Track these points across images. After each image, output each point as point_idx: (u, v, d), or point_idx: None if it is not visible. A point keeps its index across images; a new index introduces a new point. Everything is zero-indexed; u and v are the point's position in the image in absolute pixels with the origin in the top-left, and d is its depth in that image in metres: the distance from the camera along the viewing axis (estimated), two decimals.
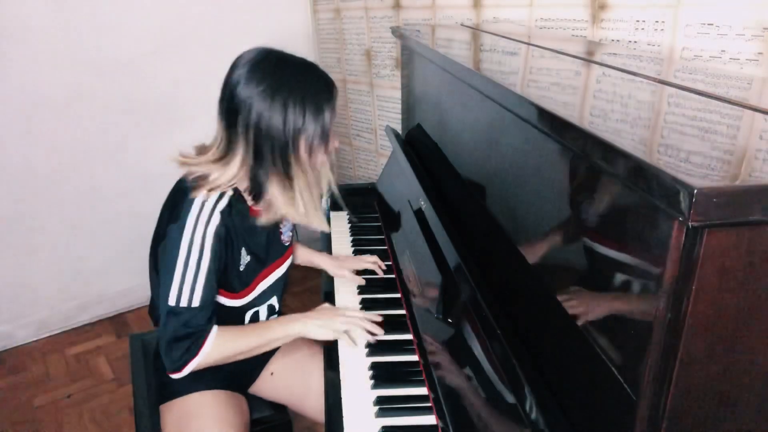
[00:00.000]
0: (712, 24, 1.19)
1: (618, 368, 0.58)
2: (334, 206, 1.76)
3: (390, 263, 1.42)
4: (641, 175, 0.49)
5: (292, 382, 1.30)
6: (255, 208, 1.12)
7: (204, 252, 1.02)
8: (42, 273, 2.32)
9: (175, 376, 1.04)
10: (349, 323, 1.13)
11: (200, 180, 1.04)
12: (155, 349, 1.28)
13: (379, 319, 1.17)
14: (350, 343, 1.13)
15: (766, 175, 0.50)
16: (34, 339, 2.37)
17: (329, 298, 1.32)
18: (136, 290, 2.53)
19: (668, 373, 0.51)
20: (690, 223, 0.44)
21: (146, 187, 2.38)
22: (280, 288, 1.26)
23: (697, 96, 0.74)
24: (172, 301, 1.02)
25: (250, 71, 1.01)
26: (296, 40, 2.66)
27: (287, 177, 1.04)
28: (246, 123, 1.00)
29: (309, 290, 2.60)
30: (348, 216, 1.71)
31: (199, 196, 1.03)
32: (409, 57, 1.58)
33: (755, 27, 1.13)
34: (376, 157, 2.58)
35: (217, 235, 1.03)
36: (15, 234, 2.22)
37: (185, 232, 1.02)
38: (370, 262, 1.39)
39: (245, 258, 1.13)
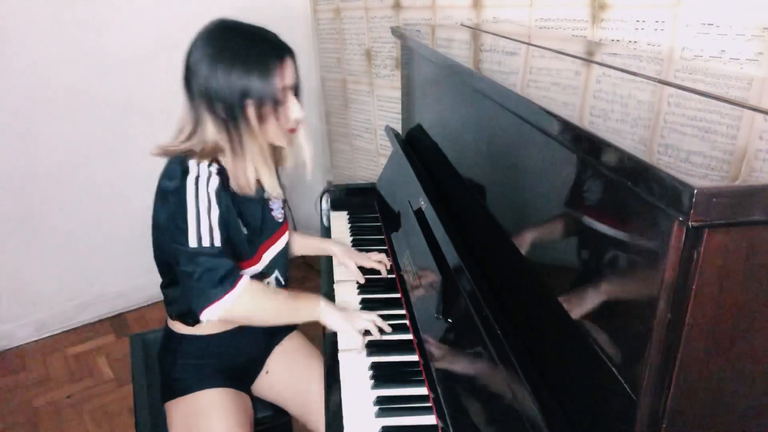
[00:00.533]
0: (712, 24, 1.19)
1: (618, 368, 0.58)
2: (335, 206, 1.76)
3: (390, 263, 1.42)
4: (641, 175, 0.49)
5: (290, 387, 1.29)
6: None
7: (211, 202, 1.04)
8: (42, 273, 2.32)
9: (205, 314, 1.02)
10: (367, 324, 1.14)
11: (185, 155, 1.07)
12: (159, 346, 1.28)
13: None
14: (362, 349, 1.12)
15: (766, 175, 0.50)
16: (34, 339, 2.37)
17: (329, 297, 1.32)
18: (136, 290, 2.53)
19: (668, 373, 0.51)
20: (690, 223, 0.44)
21: (146, 187, 2.36)
22: (281, 263, 1.28)
23: (697, 96, 0.74)
24: (193, 243, 1.02)
25: (200, 39, 1.08)
26: (296, 41, 2.65)
27: (239, 143, 1.06)
28: (198, 89, 1.04)
29: (309, 290, 2.60)
30: (347, 216, 1.71)
31: (191, 162, 1.05)
32: (409, 57, 1.58)
33: (755, 27, 1.13)
34: (376, 157, 2.58)
35: (218, 194, 1.05)
36: (15, 234, 2.22)
37: (188, 190, 1.03)
38: (376, 260, 1.40)
39: (241, 229, 1.14)
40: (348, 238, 1.58)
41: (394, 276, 1.37)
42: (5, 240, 2.20)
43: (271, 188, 1.15)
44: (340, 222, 1.68)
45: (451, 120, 1.21)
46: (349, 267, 1.39)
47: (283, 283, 1.29)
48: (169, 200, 1.05)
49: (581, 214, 0.66)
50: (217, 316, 1.03)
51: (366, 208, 1.74)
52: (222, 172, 1.09)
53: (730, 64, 1.18)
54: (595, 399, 0.63)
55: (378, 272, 1.39)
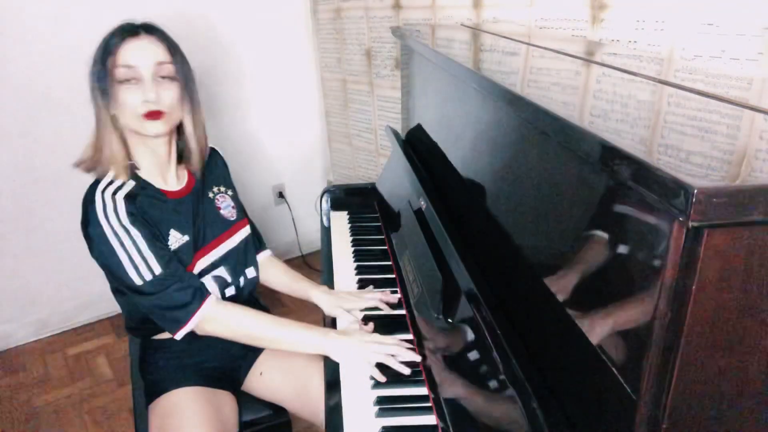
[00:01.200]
0: (712, 24, 1.19)
1: (618, 368, 0.58)
2: (335, 206, 1.76)
3: (390, 263, 1.42)
4: (641, 175, 0.49)
5: (284, 383, 1.28)
6: (168, 189, 1.16)
7: (130, 231, 1.05)
8: (42, 273, 2.32)
9: (178, 335, 1.06)
10: (384, 357, 1.04)
11: (93, 166, 1.09)
12: (140, 351, 1.29)
13: (412, 354, 1.06)
14: (381, 377, 1.02)
15: (766, 175, 0.50)
16: (34, 339, 2.37)
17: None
18: None
19: (668, 373, 0.51)
20: (690, 223, 0.44)
21: None
22: (231, 261, 1.25)
23: (697, 96, 0.74)
24: (138, 281, 1.04)
25: None
26: (296, 40, 2.66)
27: (98, 129, 1.10)
28: None
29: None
30: (347, 216, 1.71)
31: (96, 194, 1.06)
32: (409, 57, 1.58)
33: (755, 27, 1.13)
34: (376, 157, 2.58)
35: (131, 214, 1.05)
36: (15, 234, 2.22)
37: (103, 226, 1.04)
38: (374, 299, 1.23)
39: (179, 238, 1.14)
40: (348, 238, 1.58)
41: (394, 276, 1.37)
42: (5, 240, 2.20)
43: (159, 179, 1.15)
44: (340, 222, 1.68)
45: (451, 120, 1.21)
46: (340, 317, 1.22)
47: (229, 280, 1.24)
48: (93, 239, 1.06)
49: (581, 214, 0.66)
50: (193, 326, 1.07)
51: (366, 208, 1.74)
52: (142, 186, 1.11)
53: (730, 64, 1.18)
54: (595, 399, 0.63)
55: (382, 258, 1.37)
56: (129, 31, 1.07)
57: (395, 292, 1.30)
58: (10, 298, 2.28)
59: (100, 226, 1.04)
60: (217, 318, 1.09)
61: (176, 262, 1.10)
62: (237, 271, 1.27)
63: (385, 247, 1.51)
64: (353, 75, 2.51)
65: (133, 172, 1.11)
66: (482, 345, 0.85)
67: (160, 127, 1.07)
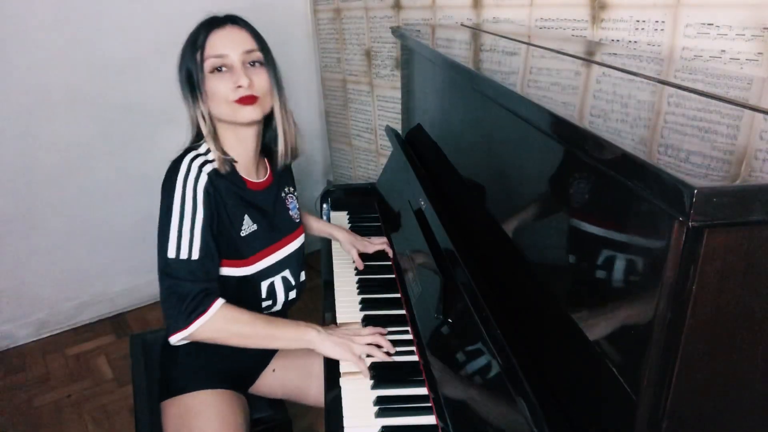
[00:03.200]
0: (712, 24, 1.19)
1: (618, 368, 0.58)
2: (335, 206, 1.76)
3: (390, 263, 1.42)
4: (641, 175, 0.49)
5: (293, 375, 1.30)
6: (250, 180, 1.17)
7: (197, 206, 1.05)
8: (42, 273, 2.32)
9: (176, 336, 1.03)
10: (365, 348, 1.08)
11: (185, 150, 1.11)
12: (161, 343, 1.28)
13: (384, 331, 1.15)
14: (365, 370, 1.05)
15: (766, 175, 0.50)
16: (34, 339, 2.37)
17: (329, 299, 1.32)
18: (136, 290, 2.53)
19: (668, 373, 0.51)
20: (690, 223, 0.44)
21: (146, 187, 2.38)
22: (294, 263, 1.26)
23: (697, 96, 0.74)
24: (171, 253, 1.03)
25: None
26: (296, 40, 2.66)
27: (194, 120, 1.11)
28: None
29: (309, 289, 2.60)
30: (347, 216, 1.71)
31: (185, 159, 1.07)
32: (409, 57, 1.58)
33: (755, 27, 1.13)
34: (376, 157, 2.58)
35: (206, 192, 1.06)
36: (15, 234, 2.22)
37: (177, 189, 1.04)
38: (378, 243, 1.44)
39: (249, 225, 1.14)
40: None
41: (394, 276, 1.37)
42: (5, 240, 2.20)
43: (243, 169, 1.16)
44: (340, 222, 1.68)
45: (451, 120, 1.21)
46: (351, 254, 1.41)
47: (293, 283, 1.26)
48: (163, 197, 1.06)
49: (581, 214, 0.66)
50: (184, 340, 1.05)
51: (366, 208, 1.74)
52: (230, 172, 1.12)
53: (730, 64, 1.18)
54: (595, 399, 0.63)
55: (382, 258, 1.41)
56: (215, 23, 1.08)
57: (395, 292, 1.30)
58: (10, 298, 2.28)
59: (174, 188, 1.05)
60: (216, 324, 1.06)
61: (214, 264, 1.08)
62: (298, 274, 1.29)
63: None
64: (353, 75, 2.51)
65: (226, 160, 1.12)
66: (482, 345, 0.85)
67: (254, 113, 1.08)
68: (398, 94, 1.96)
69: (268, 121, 1.18)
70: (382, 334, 1.13)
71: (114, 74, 2.22)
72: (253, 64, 1.09)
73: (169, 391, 1.18)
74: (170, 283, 1.04)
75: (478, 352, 0.87)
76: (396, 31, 1.62)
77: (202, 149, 1.11)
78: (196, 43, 1.07)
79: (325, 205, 1.75)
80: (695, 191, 0.43)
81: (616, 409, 0.59)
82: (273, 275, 1.21)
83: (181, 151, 1.11)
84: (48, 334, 2.40)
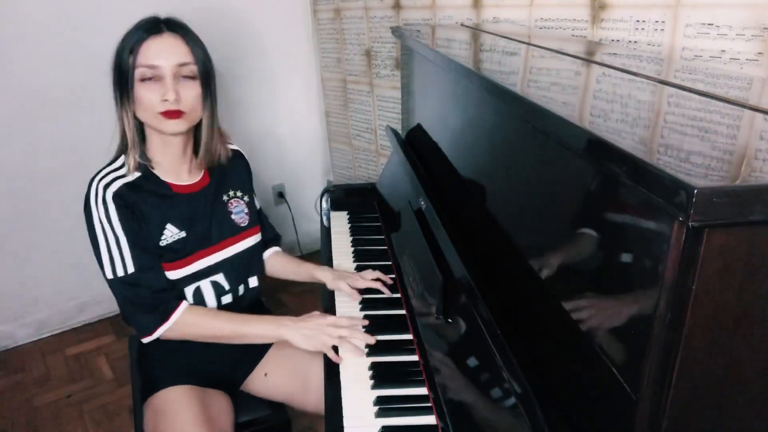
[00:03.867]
0: (712, 24, 1.19)
1: (618, 368, 0.58)
2: (335, 206, 1.76)
3: (390, 263, 1.42)
4: (641, 175, 0.49)
5: (289, 381, 1.29)
6: (176, 183, 1.17)
7: (113, 225, 1.07)
8: (42, 273, 2.32)
9: (146, 339, 1.10)
10: (337, 339, 1.10)
11: (101, 169, 1.14)
12: (137, 350, 1.30)
13: (365, 322, 1.16)
14: (336, 359, 1.08)
15: (766, 175, 0.50)
16: (34, 339, 2.37)
17: (329, 298, 1.32)
18: None
19: (668, 373, 0.51)
20: (690, 223, 0.44)
21: None
22: (232, 267, 1.24)
23: (697, 96, 0.74)
24: (109, 275, 1.08)
25: None
26: (296, 40, 2.66)
27: (119, 119, 1.11)
28: None
29: (309, 290, 2.60)
30: (347, 216, 1.71)
31: (93, 184, 1.10)
32: (409, 57, 1.58)
33: (755, 27, 1.13)
34: (376, 157, 2.58)
35: (118, 207, 1.08)
36: (15, 234, 2.22)
37: (92, 214, 1.08)
38: (371, 279, 1.29)
39: (175, 233, 1.15)
40: (348, 238, 1.58)
41: (394, 276, 1.37)
42: (5, 240, 2.20)
43: (170, 173, 1.16)
44: (340, 222, 1.68)
45: (451, 120, 1.21)
46: (342, 290, 1.29)
47: (226, 287, 1.24)
48: (85, 221, 1.10)
49: (581, 215, 0.66)
50: (159, 335, 1.10)
51: (366, 208, 1.74)
52: (146, 178, 1.13)
53: (730, 64, 1.18)
54: (595, 399, 0.63)
55: (383, 258, 1.39)
56: (152, 29, 1.06)
57: (395, 291, 1.30)
58: (10, 298, 2.28)
59: (90, 212, 1.08)
60: (184, 326, 1.11)
61: (155, 267, 1.11)
62: (238, 279, 1.26)
63: (385, 247, 1.51)
64: (353, 75, 2.51)
65: (143, 165, 1.13)
66: (482, 345, 0.85)
67: (179, 126, 1.08)
68: (398, 94, 1.96)
69: (199, 124, 1.17)
70: (361, 330, 1.13)
71: None
72: (185, 77, 1.07)
73: (146, 391, 1.19)
74: (122, 300, 1.09)
75: (478, 352, 0.87)
76: (396, 31, 1.62)
77: (115, 164, 1.13)
78: (130, 46, 1.06)
79: (325, 205, 1.75)
80: (695, 191, 0.43)
81: (616, 409, 0.59)
82: (200, 279, 1.19)
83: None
84: (48, 334, 2.40)
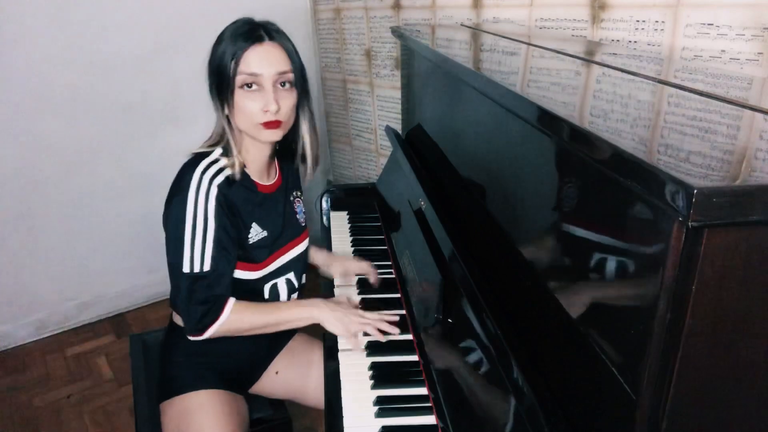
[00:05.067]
0: (712, 24, 1.19)
1: (618, 368, 0.58)
2: (335, 206, 1.76)
3: (390, 263, 1.42)
4: (641, 175, 0.49)
5: (294, 376, 1.31)
6: (260, 182, 1.18)
7: (208, 220, 1.06)
8: (42, 273, 2.32)
9: (194, 338, 1.09)
10: (364, 326, 1.12)
11: (197, 156, 1.11)
12: (161, 344, 1.29)
13: (396, 318, 1.16)
14: (356, 346, 1.11)
15: (766, 175, 0.50)
16: (34, 339, 2.37)
17: (329, 288, 1.32)
18: (136, 290, 2.53)
19: (668, 373, 0.51)
20: (690, 223, 0.44)
21: (146, 188, 2.38)
22: (298, 266, 1.28)
23: (697, 96, 0.74)
24: (186, 268, 1.06)
25: None
26: (296, 40, 2.65)
27: (220, 126, 1.11)
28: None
29: (309, 291, 2.60)
30: (347, 216, 1.71)
31: (196, 171, 1.07)
32: (409, 57, 1.58)
33: (755, 27, 1.13)
34: (376, 157, 2.58)
35: (218, 203, 1.07)
36: (15, 234, 2.22)
37: (188, 202, 1.06)
38: (363, 267, 1.34)
39: (258, 232, 1.16)
40: (348, 238, 1.58)
41: (394, 276, 1.37)
42: (5, 240, 2.20)
43: (255, 173, 1.17)
44: (340, 222, 1.68)
45: (451, 120, 1.21)
46: (334, 277, 1.37)
47: (296, 285, 1.28)
48: (173, 207, 1.07)
49: (581, 214, 0.66)
50: (209, 335, 1.09)
51: (366, 208, 1.74)
52: (240, 175, 1.12)
53: (730, 64, 1.18)
54: (595, 399, 0.63)
55: (383, 258, 1.40)
56: (254, 36, 1.06)
57: (395, 291, 1.30)
58: (10, 298, 2.28)
59: (186, 201, 1.05)
60: (229, 322, 1.11)
61: (227, 275, 1.11)
62: (300, 276, 1.31)
63: (385, 247, 1.51)
64: (353, 75, 2.51)
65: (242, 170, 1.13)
66: (482, 345, 0.85)
67: (276, 135, 1.10)
68: (398, 94, 1.96)
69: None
70: (389, 321, 1.14)
71: (115, 73, 2.21)
72: (283, 84, 1.08)
73: (168, 392, 1.18)
74: (184, 294, 1.07)
75: (478, 352, 0.87)
76: (396, 31, 1.62)
77: (213, 155, 1.11)
78: (233, 52, 1.05)
79: (325, 205, 1.75)
80: (695, 191, 0.43)
81: (616, 409, 0.59)
82: (277, 277, 1.23)
83: (191, 155, 1.11)
84: (48, 334, 2.40)
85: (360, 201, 1.76)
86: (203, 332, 1.08)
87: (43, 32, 2.05)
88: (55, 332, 2.42)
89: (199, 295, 1.07)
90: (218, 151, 1.12)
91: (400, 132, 1.75)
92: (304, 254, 1.30)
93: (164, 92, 2.36)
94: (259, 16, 1.17)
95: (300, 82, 1.12)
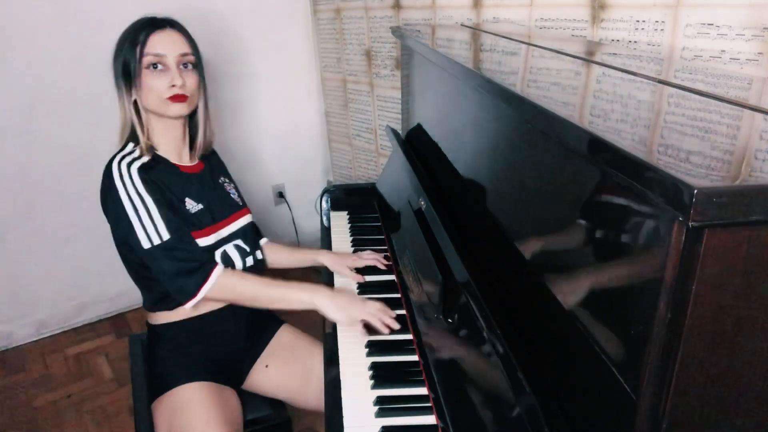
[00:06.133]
0: (712, 24, 1.19)
1: (618, 368, 0.58)
2: (335, 206, 1.76)
3: (390, 263, 1.42)
4: (641, 175, 0.49)
5: (291, 374, 1.31)
6: (181, 164, 1.25)
7: (142, 195, 1.12)
8: (42, 273, 2.32)
9: (188, 302, 1.14)
10: (367, 314, 1.13)
11: (113, 156, 1.18)
12: (145, 349, 1.30)
13: (394, 314, 1.17)
14: (362, 332, 1.12)
15: (766, 175, 0.50)
16: (34, 339, 2.37)
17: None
18: (136, 290, 2.51)
19: (668, 373, 0.51)
20: (690, 223, 0.44)
21: None
22: (247, 235, 1.33)
23: (697, 96, 0.74)
24: (146, 244, 1.11)
25: None
26: (296, 40, 2.66)
27: (123, 109, 1.19)
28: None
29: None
30: (347, 216, 1.71)
31: (113, 165, 1.15)
32: (409, 57, 1.58)
33: (755, 27, 1.13)
34: (376, 157, 2.58)
35: (144, 181, 1.13)
36: (15, 234, 2.22)
37: (119, 191, 1.12)
38: (370, 258, 1.39)
39: (194, 205, 1.22)
40: (348, 238, 1.58)
41: (394, 276, 1.37)
42: (5, 240, 2.20)
43: (173, 155, 1.24)
44: (340, 222, 1.68)
45: (451, 120, 1.21)
46: (344, 273, 1.37)
47: (247, 249, 1.31)
48: (108, 204, 1.14)
49: (581, 214, 0.66)
50: (202, 296, 1.14)
51: (366, 208, 1.74)
52: (157, 161, 1.20)
53: (730, 64, 1.18)
54: (595, 399, 0.63)
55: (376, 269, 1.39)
56: (156, 24, 1.17)
57: (395, 291, 1.30)
58: (10, 298, 2.28)
59: (116, 191, 1.12)
60: (224, 287, 1.15)
61: (186, 232, 1.16)
62: (253, 245, 1.34)
63: (385, 247, 1.51)
64: (353, 75, 2.51)
65: (152, 148, 1.20)
66: (482, 345, 0.85)
67: (183, 109, 1.19)
68: (398, 94, 1.96)
69: (191, 114, 1.27)
70: (391, 316, 1.15)
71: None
72: (186, 66, 1.19)
73: (156, 390, 1.19)
74: (161, 267, 1.12)
75: (478, 352, 0.87)
76: (396, 31, 1.62)
77: (127, 149, 1.18)
78: (137, 39, 1.15)
79: (325, 205, 1.75)
80: (695, 191, 0.43)
81: (616, 409, 0.59)
82: (226, 244, 1.27)
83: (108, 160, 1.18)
84: (48, 334, 2.40)
85: (360, 201, 1.76)
86: (194, 295, 1.12)
87: (43, 32, 2.05)
88: (55, 332, 2.42)
89: (176, 266, 1.11)
90: (130, 145, 1.19)
91: (400, 132, 1.75)
92: (250, 228, 1.35)
93: None
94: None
95: (200, 66, 1.23)
